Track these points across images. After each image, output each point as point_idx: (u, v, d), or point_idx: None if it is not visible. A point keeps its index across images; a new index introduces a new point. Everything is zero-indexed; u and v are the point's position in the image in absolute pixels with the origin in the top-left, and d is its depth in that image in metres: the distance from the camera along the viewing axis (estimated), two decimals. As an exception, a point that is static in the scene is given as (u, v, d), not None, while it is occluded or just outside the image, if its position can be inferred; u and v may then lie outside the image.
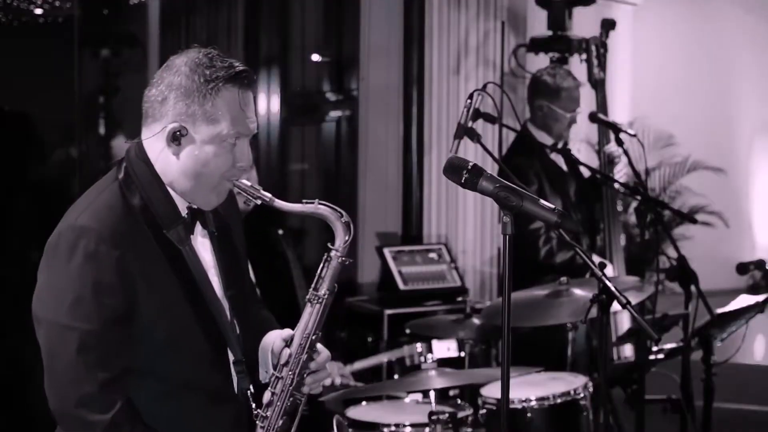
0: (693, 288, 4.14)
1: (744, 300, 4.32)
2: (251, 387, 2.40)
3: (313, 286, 2.38)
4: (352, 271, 6.29)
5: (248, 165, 2.37)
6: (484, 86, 3.82)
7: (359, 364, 3.74)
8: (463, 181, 2.28)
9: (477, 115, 3.73)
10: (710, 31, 9.87)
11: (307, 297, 2.38)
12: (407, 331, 4.70)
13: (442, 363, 3.95)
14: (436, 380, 3.43)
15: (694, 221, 4.91)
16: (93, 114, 5.93)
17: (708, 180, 9.09)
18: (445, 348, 4.90)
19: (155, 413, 2.27)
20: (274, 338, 2.43)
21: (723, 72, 10.00)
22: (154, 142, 2.32)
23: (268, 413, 2.35)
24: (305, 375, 2.38)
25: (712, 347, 4.16)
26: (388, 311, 5.15)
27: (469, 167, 2.28)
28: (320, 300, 2.37)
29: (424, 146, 6.15)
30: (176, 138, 2.28)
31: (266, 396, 2.36)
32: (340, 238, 2.36)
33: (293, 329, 2.40)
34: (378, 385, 3.80)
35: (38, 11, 5.53)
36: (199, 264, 2.34)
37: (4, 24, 5.44)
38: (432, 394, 3.46)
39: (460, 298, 4.47)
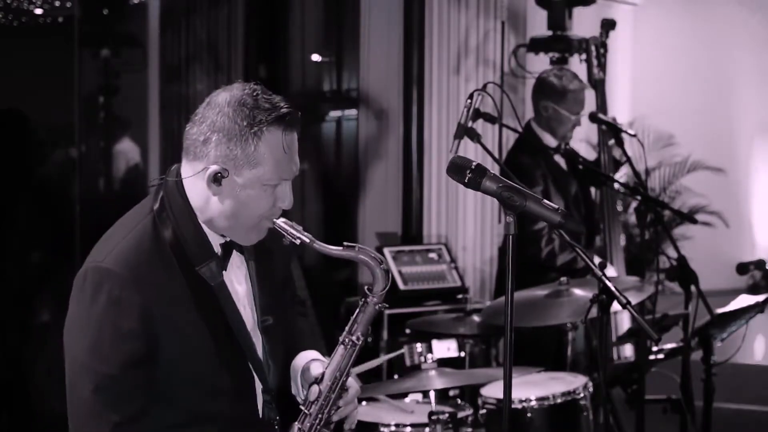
0: (693, 288, 4.14)
1: (744, 300, 4.32)
2: (277, 418, 2.41)
3: (347, 329, 2.38)
4: (352, 271, 6.29)
5: (289, 205, 2.33)
6: (484, 86, 3.83)
7: (360, 368, 3.75)
8: (466, 180, 2.28)
9: (477, 115, 3.74)
10: (710, 31, 9.87)
11: (341, 338, 2.38)
12: (407, 330, 4.69)
13: (442, 363, 3.95)
14: (436, 380, 3.43)
15: (694, 221, 4.91)
16: (93, 114, 5.93)
17: (708, 180, 9.09)
18: (445, 348, 4.90)
19: None
20: (305, 360, 2.45)
21: (723, 72, 10.00)
22: (194, 180, 2.27)
23: None
24: (334, 411, 2.39)
25: (712, 347, 4.16)
26: (388, 311, 5.15)
27: (473, 167, 2.28)
28: (354, 345, 2.37)
29: (424, 146, 6.15)
30: (217, 180, 2.24)
31: (293, 430, 2.37)
32: (379, 285, 2.35)
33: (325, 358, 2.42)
34: (378, 385, 3.80)
35: (38, 11, 5.53)
36: (230, 299, 2.32)
37: (4, 24, 5.44)
38: (432, 394, 3.46)
39: (460, 296, 4.48)
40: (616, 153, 4.89)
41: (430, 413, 3.38)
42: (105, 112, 5.95)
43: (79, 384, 2.21)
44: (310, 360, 2.46)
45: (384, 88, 6.26)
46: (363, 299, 2.38)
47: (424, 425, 3.41)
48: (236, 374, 2.33)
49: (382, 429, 3.46)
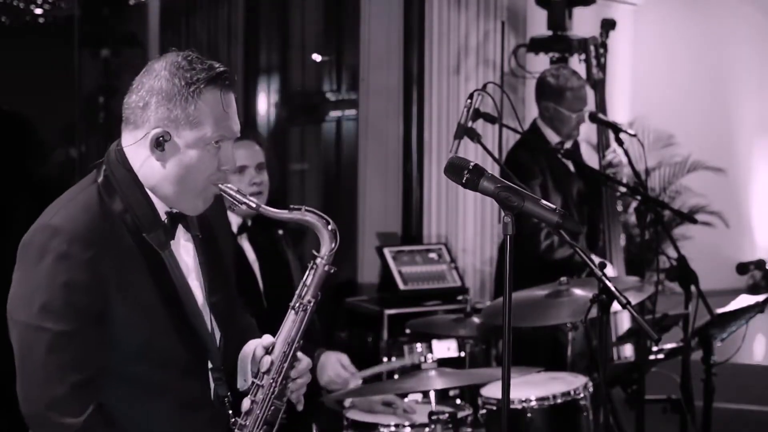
0: (693, 288, 4.14)
1: (744, 300, 4.31)
2: (228, 394, 2.36)
3: (297, 293, 2.35)
4: (352, 271, 6.29)
5: (233, 168, 2.34)
6: (484, 86, 3.82)
7: (369, 371, 3.76)
8: (464, 181, 2.28)
9: (477, 115, 3.73)
10: (710, 31, 9.87)
11: (291, 304, 2.34)
12: (407, 331, 4.69)
13: (442, 363, 3.95)
14: (436, 380, 3.43)
15: (694, 221, 4.91)
16: (93, 114, 5.93)
17: (708, 180, 9.08)
18: (445, 348, 4.90)
19: (125, 416, 2.24)
20: (254, 346, 2.38)
21: (723, 72, 10.00)
22: (136, 148, 2.28)
23: (247, 422, 2.31)
24: (287, 383, 2.34)
25: (712, 347, 4.16)
26: (388, 311, 5.15)
27: (470, 167, 2.27)
28: (304, 308, 2.34)
29: (424, 146, 6.15)
30: (160, 144, 2.24)
31: (245, 404, 2.33)
32: (326, 246, 2.34)
33: (274, 335, 2.36)
34: (378, 385, 3.80)
35: (38, 11, 5.53)
36: (179, 269, 2.30)
37: (4, 24, 5.44)
38: (432, 394, 3.46)
39: (460, 297, 4.48)
40: (611, 157, 4.91)
41: (430, 413, 3.38)
42: (105, 112, 5.96)
43: (32, 348, 2.15)
44: (256, 343, 2.40)
45: (384, 88, 6.25)
46: (312, 262, 2.35)
47: (424, 425, 3.41)
48: (189, 345, 2.29)
49: (381, 429, 3.46)
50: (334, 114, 7.29)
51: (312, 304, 2.34)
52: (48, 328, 2.14)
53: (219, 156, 2.29)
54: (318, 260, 2.34)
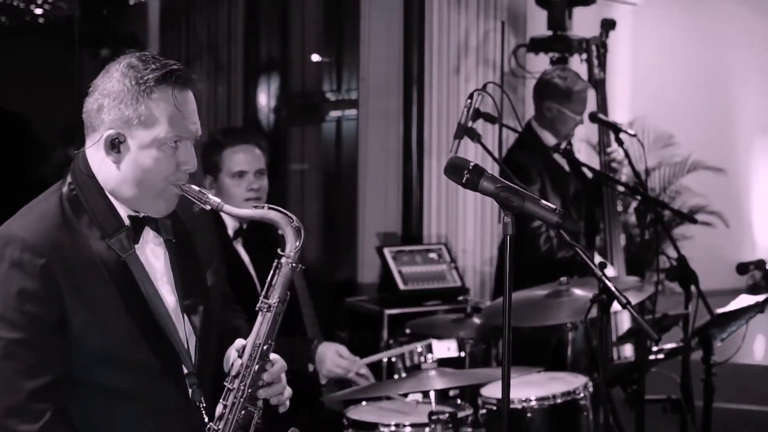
0: (693, 288, 4.14)
1: (744, 300, 4.31)
2: (202, 399, 2.33)
3: (263, 294, 2.32)
4: (352, 271, 6.29)
5: (193, 168, 2.29)
6: (484, 86, 3.82)
7: (369, 359, 3.78)
8: (464, 181, 2.28)
9: (477, 115, 3.73)
10: (710, 30, 9.87)
11: (258, 306, 2.31)
12: (407, 331, 4.70)
13: (442, 363, 3.95)
14: (436, 380, 3.43)
15: (694, 221, 4.91)
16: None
17: (708, 180, 9.08)
18: (445, 348, 4.90)
19: (96, 422, 2.23)
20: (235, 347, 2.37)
21: (723, 72, 10.00)
22: (95, 151, 2.27)
23: (220, 426, 2.29)
24: (259, 387, 2.32)
25: (712, 347, 4.16)
26: (388, 311, 5.15)
27: (470, 167, 2.27)
28: (271, 309, 2.30)
29: (424, 146, 6.15)
30: (114, 146, 2.22)
31: (218, 408, 2.31)
32: (291, 244, 2.31)
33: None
34: (378, 385, 3.80)
35: (38, 11, 5.54)
36: (144, 273, 2.28)
37: (4, 24, 5.44)
38: (432, 394, 3.46)
39: (460, 298, 4.48)
40: (615, 156, 4.91)
41: (430, 413, 3.38)
42: (105, 112, 5.95)
43: None
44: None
45: (384, 88, 6.26)
46: (277, 261, 2.32)
47: (424, 425, 3.41)
48: (157, 351, 2.26)
49: (382, 429, 3.46)
50: (334, 114, 7.29)
51: (278, 304, 2.30)
52: (2, 336, 2.14)
53: (177, 156, 2.25)
54: (283, 259, 2.31)
